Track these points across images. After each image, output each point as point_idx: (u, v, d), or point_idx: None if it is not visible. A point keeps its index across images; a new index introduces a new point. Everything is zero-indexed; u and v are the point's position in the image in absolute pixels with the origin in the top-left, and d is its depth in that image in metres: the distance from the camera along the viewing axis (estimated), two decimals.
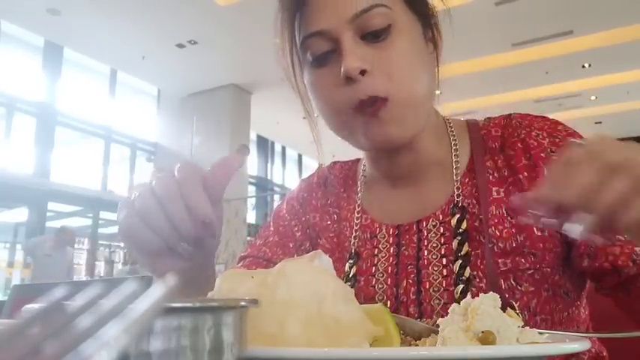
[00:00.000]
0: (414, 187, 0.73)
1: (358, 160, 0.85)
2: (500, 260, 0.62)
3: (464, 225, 0.66)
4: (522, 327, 0.42)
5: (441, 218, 0.68)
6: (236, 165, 0.53)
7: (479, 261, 0.63)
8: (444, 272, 0.64)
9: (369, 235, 0.73)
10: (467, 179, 0.70)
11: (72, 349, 0.19)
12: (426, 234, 0.68)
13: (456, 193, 0.69)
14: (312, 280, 0.42)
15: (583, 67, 8.41)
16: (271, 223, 0.84)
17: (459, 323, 0.42)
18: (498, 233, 0.64)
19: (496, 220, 0.65)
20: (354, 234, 0.74)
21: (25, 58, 7.60)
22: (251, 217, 10.56)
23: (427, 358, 0.36)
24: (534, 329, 0.42)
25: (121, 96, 8.89)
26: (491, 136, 0.71)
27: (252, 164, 11.47)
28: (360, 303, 0.66)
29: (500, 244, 0.63)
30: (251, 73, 8.36)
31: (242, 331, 0.28)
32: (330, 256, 0.74)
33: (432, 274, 0.65)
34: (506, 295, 0.61)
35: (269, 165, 12.56)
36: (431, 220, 0.69)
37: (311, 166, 13.62)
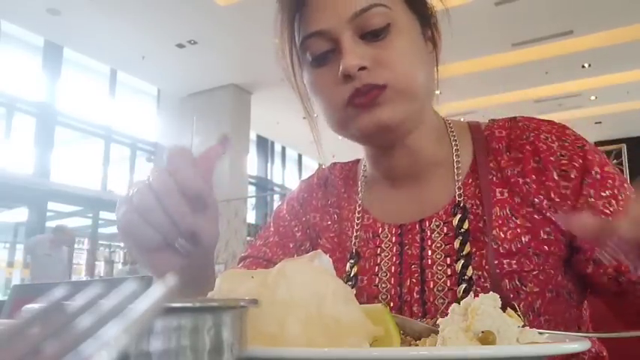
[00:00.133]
0: (414, 188, 0.73)
1: (358, 161, 0.85)
2: (505, 261, 0.63)
3: (465, 225, 0.66)
4: (522, 327, 0.42)
5: (444, 218, 0.68)
6: (218, 154, 0.53)
7: (483, 261, 0.63)
8: (449, 272, 0.65)
9: (371, 235, 0.73)
10: (470, 180, 0.70)
11: (72, 349, 0.19)
12: (429, 234, 0.68)
13: (457, 193, 0.69)
14: (312, 280, 0.42)
15: (583, 67, 8.41)
16: (271, 224, 0.84)
17: (459, 323, 0.42)
18: (503, 235, 0.64)
19: (500, 222, 0.65)
20: (354, 234, 0.74)
21: (25, 58, 7.60)
22: (251, 217, 10.56)
23: (427, 358, 0.36)
24: (534, 329, 0.42)
25: (121, 96, 8.89)
26: (495, 137, 0.71)
27: (252, 164, 11.47)
28: (363, 302, 0.67)
29: (505, 245, 0.63)
30: (251, 73, 8.36)
31: (242, 331, 0.28)
32: (330, 256, 0.74)
33: (437, 273, 0.65)
34: (511, 296, 0.61)
35: (269, 165, 12.57)
36: (434, 220, 0.69)
37: (311, 166, 13.62)
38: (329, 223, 0.79)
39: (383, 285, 0.69)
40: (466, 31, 6.46)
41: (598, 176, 0.63)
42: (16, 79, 7.44)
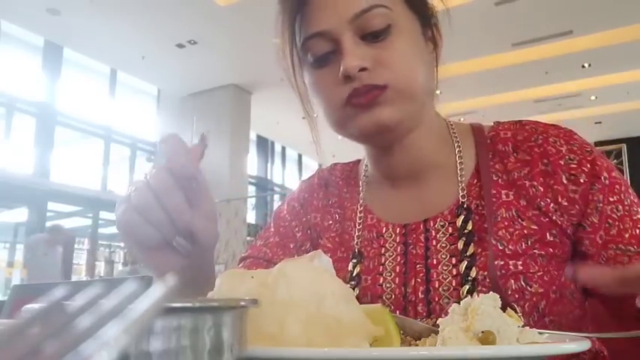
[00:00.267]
0: (416, 188, 0.73)
1: (358, 162, 0.85)
2: (511, 262, 0.63)
3: (469, 226, 0.66)
4: (522, 327, 0.42)
5: (449, 219, 0.69)
6: (199, 154, 0.54)
7: (489, 262, 0.63)
8: (454, 272, 0.65)
9: (375, 235, 0.73)
10: (475, 180, 0.70)
11: (72, 349, 0.19)
12: (434, 234, 0.69)
13: (461, 194, 0.69)
14: (312, 280, 0.42)
15: (583, 67, 8.41)
16: (272, 224, 0.84)
17: (459, 323, 0.42)
18: (509, 236, 0.64)
19: (506, 223, 0.65)
20: (357, 233, 0.74)
21: (25, 58, 7.60)
22: (251, 217, 10.56)
23: (427, 358, 0.36)
24: (534, 329, 0.42)
25: (121, 96, 8.89)
26: (501, 138, 0.71)
27: (252, 164, 11.47)
28: (367, 302, 0.67)
29: (510, 247, 0.64)
30: (251, 73, 8.36)
31: (242, 331, 0.28)
32: (331, 256, 0.74)
33: (442, 273, 0.65)
34: (516, 296, 0.61)
35: (269, 165, 12.57)
36: (439, 220, 0.69)
37: (311, 166, 13.62)
38: (330, 222, 0.79)
39: (387, 285, 0.69)
40: (466, 31, 6.46)
41: (607, 182, 0.64)
42: (16, 79, 7.43)
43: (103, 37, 7.18)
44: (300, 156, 13.72)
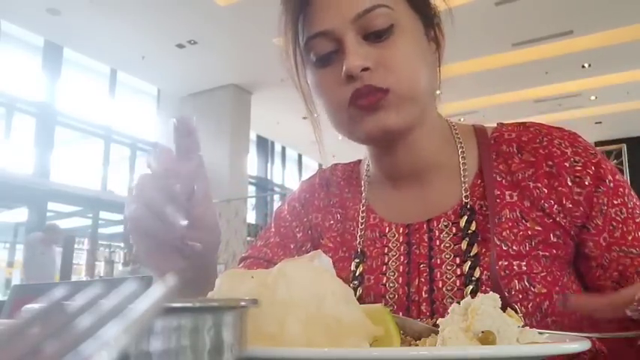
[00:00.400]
0: (418, 188, 0.73)
1: (359, 162, 0.85)
2: (515, 262, 0.63)
3: (473, 226, 0.66)
4: (522, 327, 0.42)
5: (452, 219, 0.69)
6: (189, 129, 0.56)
7: (491, 262, 0.64)
8: (458, 272, 0.65)
9: (378, 234, 0.73)
10: (479, 181, 0.70)
11: (72, 349, 0.19)
12: (437, 234, 0.69)
13: (464, 194, 0.69)
14: (312, 280, 0.42)
15: (583, 67, 8.41)
16: (272, 225, 0.84)
17: (459, 323, 0.42)
18: (513, 237, 0.65)
19: (510, 224, 0.65)
20: (359, 232, 0.74)
21: (25, 58, 7.60)
22: (251, 217, 10.56)
23: (427, 358, 0.36)
24: (534, 329, 0.42)
25: (120, 96, 8.89)
26: (505, 139, 0.71)
27: (252, 164, 11.47)
28: (370, 302, 0.67)
29: (514, 247, 0.64)
30: (251, 73, 8.36)
31: (242, 331, 0.28)
32: (333, 256, 0.75)
33: (446, 273, 0.66)
34: (520, 296, 0.62)
35: (269, 165, 12.56)
36: (442, 220, 0.69)
37: (311, 166, 13.62)
38: (331, 222, 0.79)
39: (390, 284, 0.69)
40: (466, 31, 6.45)
41: (611, 184, 0.65)
42: (16, 79, 7.43)
43: (103, 37, 7.18)
44: (300, 156, 13.72)
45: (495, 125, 0.75)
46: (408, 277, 0.68)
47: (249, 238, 8.56)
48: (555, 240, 0.64)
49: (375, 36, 0.64)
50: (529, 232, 0.64)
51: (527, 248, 0.64)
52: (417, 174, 0.73)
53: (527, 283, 0.62)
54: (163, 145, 0.52)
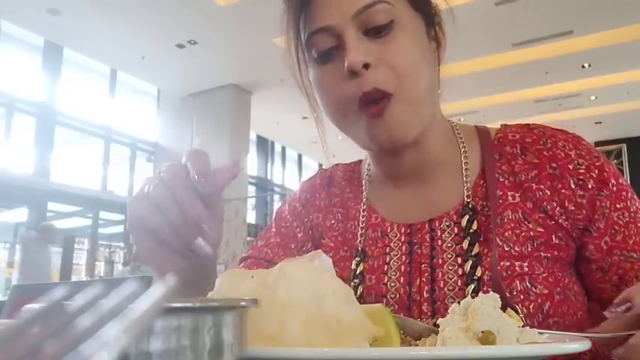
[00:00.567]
0: (420, 187, 0.74)
1: (360, 162, 0.85)
2: (517, 263, 0.63)
3: (474, 226, 0.66)
4: (522, 327, 0.42)
5: (454, 219, 0.69)
6: (234, 174, 0.54)
7: (492, 262, 0.64)
8: (459, 272, 0.65)
9: (379, 234, 0.73)
10: (482, 181, 0.70)
11: (72, 349, 0.19)
12: (439, 234, 0.69)
13: (466, 194, 0.69)
14: (312, 280, 0.42)
15: (583, 67, 8.41)
16: (273, 225, 0.84)
17: (459, 323, 0.42)
18: (515, 237, 0.65)
19: (512, 225, 0.65)
20: (360, 232, 0.74)
21: (25, 58, 7.60)
22: (251, 217, 10.55)
23: (427, 358, 0.36)
24: (534, 329, 0.42)
25: (120, 96, 8.89)
26: (509, 140, 0.71)
27: (252, 164, 11.47)
28: (372, 301, 0.67)
29: (516, 248, 0.64)
30: (251, 73, 8.36)
31: (242, 331, 0.28)
32: (334, 255, 0.75)
33: (447, 273, 0.66)
34: (521, 297, 0.62)
35: (269, 165, 12.56)
36: (444, 220, 0.69)
37: (311, 166, 13.62)
38: (332, 222, 0.79)
39: (392, 284, 0.69)
40: (466, 31, 6.45)
41: (614, 188, 0.65)
42: (16, 79, 7.43)
43: (103, 37, 7.18)
44: (300, 156, 13.72)
45: (499, 126, 0.75)
46: (410, 276, 0.68)
47: (249, 238, 8.56)
48: (557, 242, 0.65)
49: (376, 32, 0.64)
50: (531, 234, 0.65)
51: (529, 249, 0.64)
52: (419, 173, 0.73)
53: (528, 284, 0.62)
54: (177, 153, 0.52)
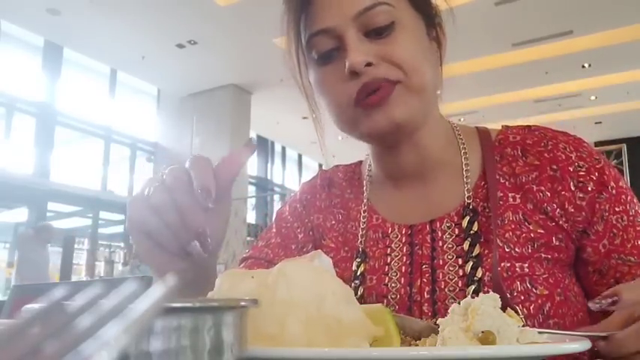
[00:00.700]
0: (421, 188, 0.74)
1: (361, 162, 0.85)
2: (517, 264, 0.63)
3: (475, 227, 0.66)
4: (522, 327, 0.42)
5: (455, 220, 0.69)
6: (244, 158, 0.54)
7: (493, 263, 0.64)
8: (460, 273, 0.65)
9: (380, 235, 0.73)
10: (482, 182, 0.70)
11: (72, 349, 0.19)
12: (440, 235, 0.69)
13: (467, 195, 0.69)
14: (312, 280, 0.42)
15: (583, 67, 8.41)
16: (273, 225, 0.84)
17: (459, 323, 0.42)
18: (515, 238, 0.65)
19: (513, 226, 0.65)
20: (360, 232, 0.74)
21: (25, 58, 7.60)
22: (251, 217, 10.55)
23: (427, 358, 0.36)
24: (534, 329, 0.42)
25: (120, 96, 8.89)
26: (510, 142, 0.71)
27: (252, 164, 11.46)
28: (372, 301, 0.67)
29: (517, 249, 0.64)
30: (251, 73, 8.36)
31: (242, 331, 0.28)
32: (334, 256, 0.75)
33: (448, 273, 0.66)
34: (522, 298, 0.62)
35: (269, 165, 12.56)
36: (445, 221, 0.69)
37: (311, 166, 13.62)
38: (333, 222, 0.79)
39: (393, 284, 0.69)
40: (466, 31, 6.45)
41: (614, 191, 0.65)
42: (16, 79, 7.43)
43: (103, 37, 7.18)
44: (300, 156, 13.72)
45: (500, 127, 0.75)
46: (411, 277, 0.68)
47: (249, 238, 8.56)
48: (557, 243, 0.65)
49: (376, 33, 0.64)
50: (531, 235, 0.65)
51: (530, 250, 0.64)
52: (419, 174, 0.73)
53: (529, 285, 0.62)
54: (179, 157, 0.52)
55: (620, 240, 0.64)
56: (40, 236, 5.88)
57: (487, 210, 0.67)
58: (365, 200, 0.77)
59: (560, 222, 0.65)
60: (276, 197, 12.16)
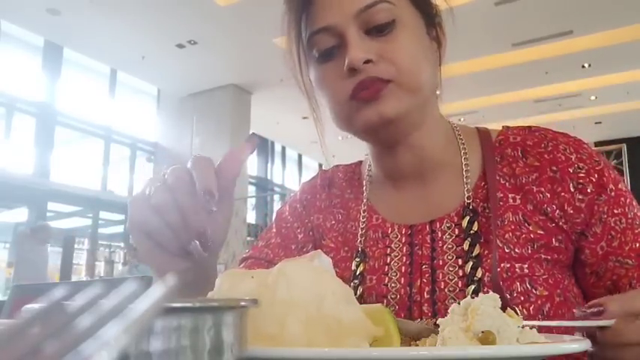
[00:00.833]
0: (421, 188, 0.74)
1: (361, 163, 0.85)
2: (517, 265, 0.63)
3: (475, 227, 0.66)
4: (522, 327, 0.42)
5: (455, 220, 0.69)
6: (245, 154, 0.54)
7: (492, 263, 0.64)
8: (460, 273, 0.65)
9: (380, 235, 0.73)
10: (482, 183, 0.70)
11: (72, 349, 0.19)
12: (440, 235, 0.69)
13: (467, 195, 0.69)
14: (312, 280, 0.42)
15: (583, 67, 8.41)
16: (273, 225, 0.84)
17: (459, 323, 0.42)
18: (515, 239, 0.65)
19: (513, 227, 0.65)
20: (360, 232, 0.75)
21: (25, 58, 7.60)
22: (251, 217, 10.55)
23: (427, 358, 0.36)
24: (534, 329, 0.42)
25: (120, 96, 8.89)
26: (510, 142, 0.71)
27: (252, 164, 11.46)
28: (372, 301, 0.67)
29: (516, 250, 0.64)
30: (251, 73, 8.36)
31: (242, 331, 0.28)
32: (334, 255, 0.75)
33: (448, 274, 0.66)
34: (522, 298, 0.62)
35: (269, 165, 12.56)
36: (445, 222, 0.69)
37: (311, 166, 13.62)
38: (333, 222, 0.79)
39: (392, 285, 0.69)
40: (466, 31, 6.45)
41: (613, 194, 0.65)
42: (16, 79, 7.43)
43: (103, 37, 7.18)
44: (300, 156, 13.71)
45: (500, 128, 0.75)
46: (410, 277, 0.68)
47: (249, 238, 8.56)
48: (557, 244, 0.65)
49: (377, 30, 0.64)
50: (531, 236, 0.65)
51: (529, 251, 0.64)
52: (419, 174, 0.73)
53: (528, 286, 0.62)
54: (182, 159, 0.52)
55: (618, 242, 0.64)
56: (37, 236, 5.88)
57: (487, 210, 0.67)
58: (365, 200, 0.77)
59: (560, 223, 0.65)
60: (276, 197, 12.15)
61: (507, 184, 0.69)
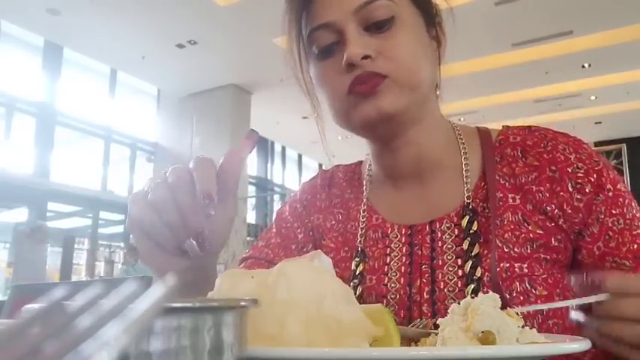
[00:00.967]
0: (420, 188, 0.74)
1: (361, 163, 0.85)
2: (517, 264, 0.63)
3: (474, 226, 0.66)
4: (522, 327, 0.42)
5: (455, 220, 0.69)
6: (246, 152, 0.54)
7: (492, 263, 0.64)
8: (459, 273, 0.65)
9: (380, 235, 0.73)
10: (482, 183, 0.70)
11: (72, 349, 0.19)
12: (440, 235, 0.69)
13: (466, 195, 0.69)
14: (312, 280, 0.42)
15: (583, 67, 8.41)
16: (274, 225, 0.84)
17: (459, 323, 0.42)
18: (515, 239, 0.65)
19: (512, 226, 0.65)
20: (360, 232, 0.75)
21: (25, 58, 7.60)
22: (251, 217, 10.55)
23: (427, 358, 0.36)
24: (534, 329, 0.42)
25: (120, 96, 8.89)
26: (510, 142, 0.71)
27: (252, 164, 11.46)
28: (372, 301, 0.67)
29: (516, 249, 0.64)
30: (251, 73, 8.36)
31: (242, 331, 0.28)
32: (334, 255, 0.75)
33: (448, 274, 0.66)
34: (521, 298, 0.62)
35: (269, 165, 12.56)
36: (445, 222, 0.69)
37: (311, 166, 13.62)
38: (333, 222, 0.80)
39: (392, 285, 0.69)
40: (466, 31, 6.45)
41: (611, 194, 0.65)
42: (16, 79, 7.43)
43: (103, 37, 7.18)
44: (300, 156, 13.71)
45: (500, 128, 0.75)
46: (410, 277, 0.68)
47: (249, 238, 8.56)
48: (556, 244, 0.65)
49: (376, 27, 0.65)
50: (531, 235, 0.65)
51: (529, 251, 0.64)
52: (418, 174, 0.73)
53: (528, 285, 0.62)
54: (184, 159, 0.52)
55: (616, 243, 0.64)
56: (35, 236, 5.88)
57: (487, 210, 0.67)
58: (365, 200, 0.77)
59: (559, 223, 0.65)
60: (276, 197, 12.15)
61: (507, 183, 0.69)
